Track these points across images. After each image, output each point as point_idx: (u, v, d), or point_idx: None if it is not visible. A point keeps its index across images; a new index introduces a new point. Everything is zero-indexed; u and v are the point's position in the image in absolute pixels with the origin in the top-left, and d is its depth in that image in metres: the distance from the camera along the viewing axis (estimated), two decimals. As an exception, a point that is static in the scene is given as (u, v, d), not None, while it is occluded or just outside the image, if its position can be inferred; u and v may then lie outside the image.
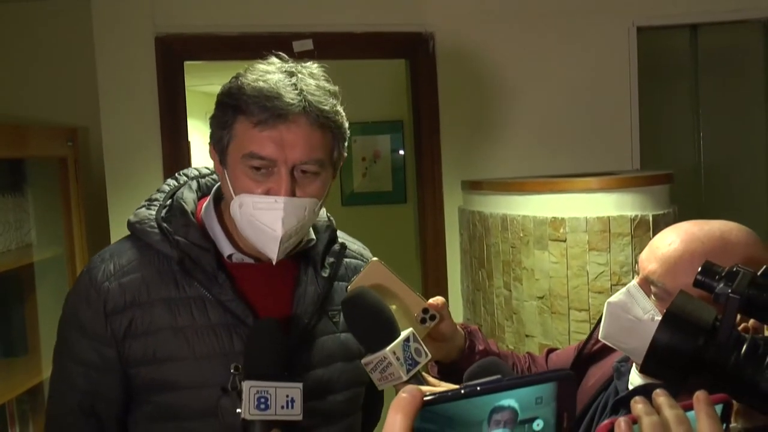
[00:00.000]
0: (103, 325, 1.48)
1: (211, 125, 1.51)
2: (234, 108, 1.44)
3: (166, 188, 1.64)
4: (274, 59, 1.51)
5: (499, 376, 0.91)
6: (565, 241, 3.07)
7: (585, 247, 3.03)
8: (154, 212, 1.57)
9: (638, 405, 0.83)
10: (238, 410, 1.31)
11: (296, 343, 1.52)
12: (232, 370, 1.38)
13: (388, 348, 1.34)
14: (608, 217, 3.01)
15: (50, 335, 3.16)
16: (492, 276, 3.52)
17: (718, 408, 0.85)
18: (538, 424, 0.74)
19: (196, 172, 1.70)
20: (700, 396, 0.82)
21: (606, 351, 1.73)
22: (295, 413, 1.33)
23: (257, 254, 1.54)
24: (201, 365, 1.46)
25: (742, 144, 4.30)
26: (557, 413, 0.75)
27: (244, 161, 1.43)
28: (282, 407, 1.31)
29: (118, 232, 3.22)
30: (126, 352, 1.48)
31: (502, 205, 3.44)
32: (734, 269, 0.97)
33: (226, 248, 1.55)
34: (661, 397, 0.83)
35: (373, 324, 1.38)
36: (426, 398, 0.69)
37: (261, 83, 1.42)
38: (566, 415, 0.75)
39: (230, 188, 1.48)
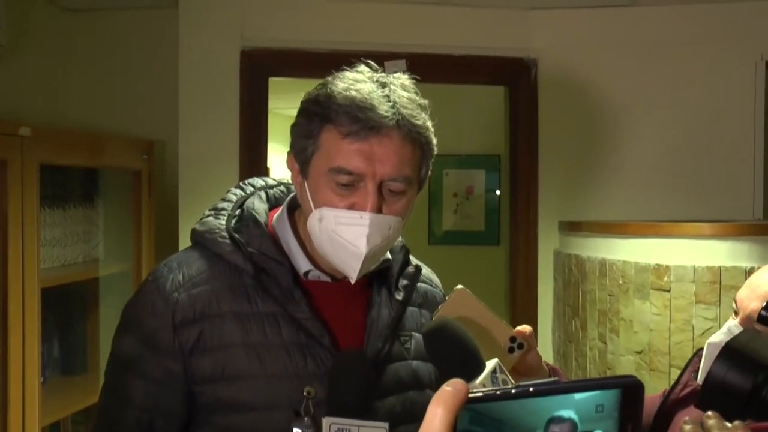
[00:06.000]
0: (171, 337, 1.43)
1: (293, 134, 1.48)
2: (322, 116, 1.41)
3: (233, 197, 1.59)
4: (363, 67, 1.47)
5: (556, 378, 0.84)
6: (669, 291, 2.93)
7: (691, 299, 2.88)
8: (223, 222, 1.53)
9: (687, 426, 0.81)
10: None
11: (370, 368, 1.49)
12: (305, 393, 1.32)
13: (477, 380, 1.27)
14: (719, 267, 2.85)
15: (110, 354, 3.14)
16: (586, 326, 3.35)
17: None
18: None
19: (263, 183, 1.66)
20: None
21: (694, 396, 1.67)
22: None
23: (333, 272, 1.51)
24: (272, 385, 1.42)
25: None
26: (620, 425, 0.68)
27: (330, 175, 1.39)
28: None
29: (187, 251, 3.13)
30: (193, 368, 1.43)
31: (602, 248, 3.27)
32: None
33: (303, 264, 1.51)
34: (711, 420, 0.80)
35: (458, 357, 1.30)
36: (471, 395, 0.65)
37: (353, 92, 1.38)
38: (630, 428, 0.68)
39: (310, 201, 1.44)
